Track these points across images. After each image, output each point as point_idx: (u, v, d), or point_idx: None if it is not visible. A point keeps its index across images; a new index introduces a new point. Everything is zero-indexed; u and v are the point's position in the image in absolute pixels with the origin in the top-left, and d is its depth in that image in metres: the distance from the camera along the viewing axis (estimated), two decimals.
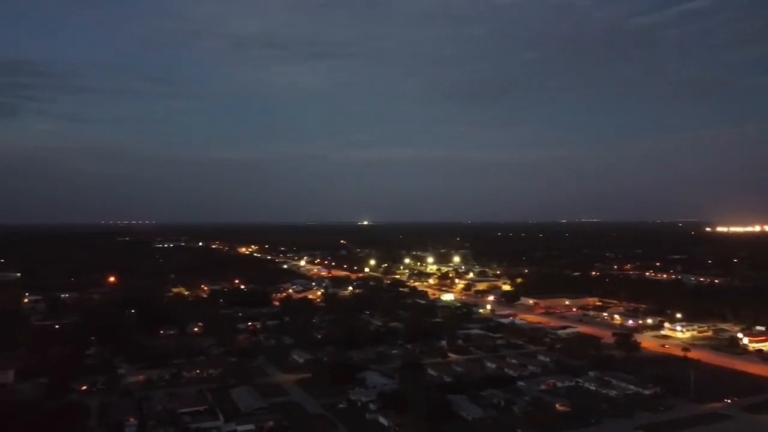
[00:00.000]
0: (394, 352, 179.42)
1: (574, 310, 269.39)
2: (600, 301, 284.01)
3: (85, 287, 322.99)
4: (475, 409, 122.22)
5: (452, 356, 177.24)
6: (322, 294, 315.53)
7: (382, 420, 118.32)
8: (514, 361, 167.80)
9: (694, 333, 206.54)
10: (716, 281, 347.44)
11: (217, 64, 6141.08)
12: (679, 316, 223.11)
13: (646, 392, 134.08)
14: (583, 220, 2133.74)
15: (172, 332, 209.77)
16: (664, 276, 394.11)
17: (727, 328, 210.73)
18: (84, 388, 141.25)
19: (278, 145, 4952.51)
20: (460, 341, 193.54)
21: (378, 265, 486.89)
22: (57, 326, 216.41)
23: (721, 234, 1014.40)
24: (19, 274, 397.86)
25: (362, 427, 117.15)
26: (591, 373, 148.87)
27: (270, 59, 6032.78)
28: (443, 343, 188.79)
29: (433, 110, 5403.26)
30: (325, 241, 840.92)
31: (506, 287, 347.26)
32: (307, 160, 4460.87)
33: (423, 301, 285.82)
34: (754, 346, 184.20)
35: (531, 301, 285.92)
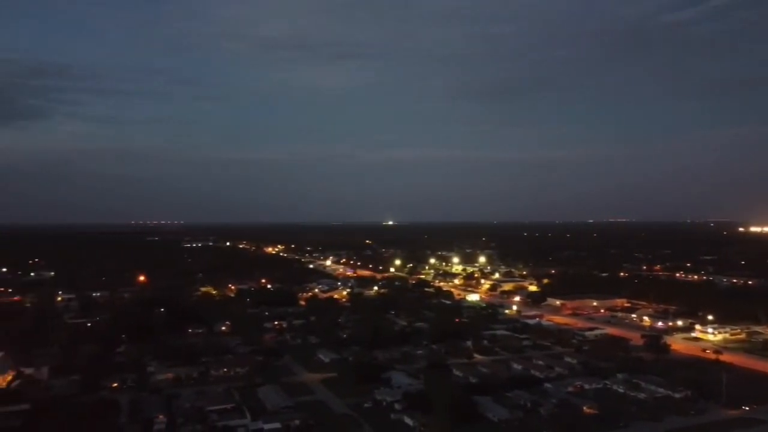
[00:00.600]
0: (419, 352, 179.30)
1: (602, 311, 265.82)
2: (628, 302, 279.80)
3: (115, 286, 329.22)
4: (501, 410, 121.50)
5: (478, 357, 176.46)
6: (347, 294, 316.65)
7: (408, 420, 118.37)
8: (540, 362, 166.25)
9: (727, 335, 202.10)
10: (749, 282, 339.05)
11: (244, 66, 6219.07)
12: (710, 318, 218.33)
13: (677, 395, 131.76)
14: (611, 220, 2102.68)
15: (200, 331, 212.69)
16: (695, 277, 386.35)
17: (760, 330, 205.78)
18: (115, 385, 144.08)
19: (304, 145, 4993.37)
20: (485, 342, 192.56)
21: (403, 265, 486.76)
22: (89, 324, 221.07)
23: (755, 234, 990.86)
24: (53, 274, 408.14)
25: (387, 427, 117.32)
26: (619, 376, 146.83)
27: (296, 60, 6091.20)
28: (469, 343, 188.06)
29: (459, 109, 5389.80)
30: (351, 241, 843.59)
31: (532, 288, 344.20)
32: (332, 161, 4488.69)
33: (448, 302, 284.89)
34: None
35: (558, 302, 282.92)
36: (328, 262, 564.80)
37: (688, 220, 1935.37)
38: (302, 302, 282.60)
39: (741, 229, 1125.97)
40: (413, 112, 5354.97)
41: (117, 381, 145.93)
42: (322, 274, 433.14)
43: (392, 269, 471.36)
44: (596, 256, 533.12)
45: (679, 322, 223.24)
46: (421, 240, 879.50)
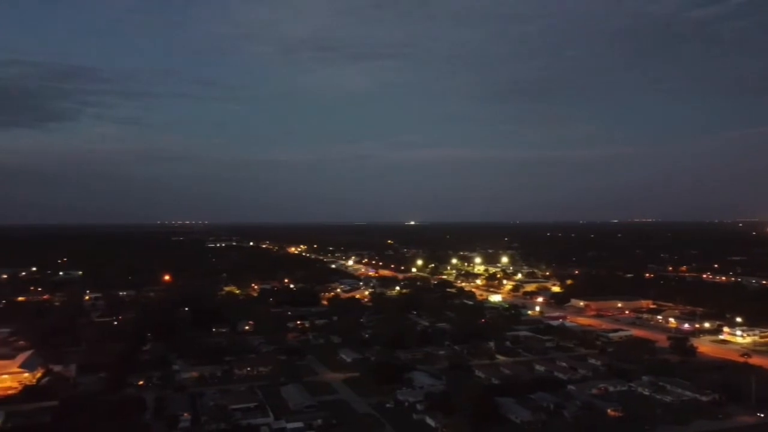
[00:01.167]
0: (441, 352, 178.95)
1: (627, 312, 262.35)
2: (654, 303, 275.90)
3: (141, 286, 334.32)
4: (524, 412, 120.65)
5: (500, 358, 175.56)
6: (369, 294, 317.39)
7: (430, 421, 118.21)
8: (564, 364, 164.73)
9: (756, 338, 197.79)
10: None
11: (268, 68, 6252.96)
12: (739, 320, 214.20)
13: (704, 399, 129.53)
14: (635, 220, 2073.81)
15: (223, 330, 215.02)
16: (723, 278, 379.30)
17: None
18: (141, 382, 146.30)
19: (326, 145, 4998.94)
20: (508, 343, 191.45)
21: (425, 265, 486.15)
22: (115, 323, 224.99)
23: None
24: (80, 273, 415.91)
25: (409, 428, 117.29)
26: (645, 378, 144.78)
27: (318, 61, 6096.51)
28: (491, 344, 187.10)
29: (483, 109, 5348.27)
30: (373, 241, 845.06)
31: (556, 289, 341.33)
32: (354, 161, 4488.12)
33: (470, 302, 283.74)
34: None
35: (581, 303, 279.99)
36: (350, 262, 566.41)
37: (716, 221, 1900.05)
38: (324, 302, 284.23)
39: None
40: (435, 112, 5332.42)
41: (143, 379, 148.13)
42: (344, 274, 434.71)
43: (414, 269, 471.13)
44: (621, 257, 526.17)
45: (707, 324, 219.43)
46: (443, 240, 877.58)
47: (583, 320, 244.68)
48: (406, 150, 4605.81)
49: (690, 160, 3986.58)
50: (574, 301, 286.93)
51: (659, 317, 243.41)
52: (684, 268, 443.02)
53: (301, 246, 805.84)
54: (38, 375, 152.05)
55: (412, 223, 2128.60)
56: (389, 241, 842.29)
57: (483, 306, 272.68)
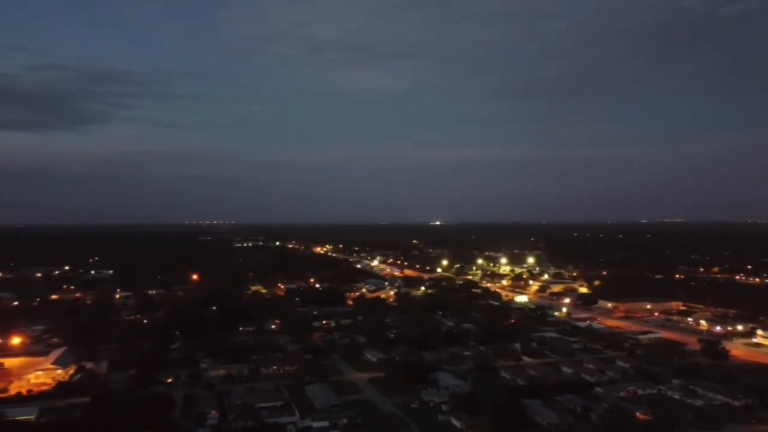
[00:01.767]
0: (467, 353, 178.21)
1: (656, 314, 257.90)
2: (684, 305, 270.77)
3: (170, 285, 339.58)
4: (550, 414, 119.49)
5: (526, 359, 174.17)
6: (394, 294, 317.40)
7: (455, 422, 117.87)
8: (591, 366, 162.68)
9: None
10: None
11: (294, 69, 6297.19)
12: None
13: (737, 403, 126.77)
14: (665, 220, 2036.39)
15: (250, 329, 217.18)
16: (757, 280, 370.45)
17: None
18: (169, 380, 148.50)
19: (353, 146, 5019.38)
20: (534, 344, 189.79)
21: (450, 266, 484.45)
22: (145, 321, 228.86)
23: None
24: (111, 272, 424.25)
25: (435, 428, 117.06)
26: (675, 381, 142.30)
27: (345, 62, 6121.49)
28: (517, 345, 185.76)
29: (510, 109, 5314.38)
30: (398, 241, 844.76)
31: (583, 290, 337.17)
32: (380, 161, 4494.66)
33: (496, 303, 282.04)
34: None
35: (609, 305, 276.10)
36: (376, 262, 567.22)
37: (749, 221, 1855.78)
38: (350, 302, 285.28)
39: None
40: (460, 112, 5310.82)
41: (171, 376, 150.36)
42: (369, 274, 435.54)
43: (439, 269, 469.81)
44: (650, 258, 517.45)
45: (739, 327, 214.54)
46: (468, 240, 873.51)
47: (611, 322, 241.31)
48: (431, 150, 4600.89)
49: (720, 158, 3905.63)
50: (601, 303, 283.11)
51: (690, 319, 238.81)
52: (716, 269, 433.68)
53: (327, 246, 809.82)
54: (71, 371, 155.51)
55: (437, 223, 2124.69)
56: (414, 241, 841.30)
57: (509, 307, 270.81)
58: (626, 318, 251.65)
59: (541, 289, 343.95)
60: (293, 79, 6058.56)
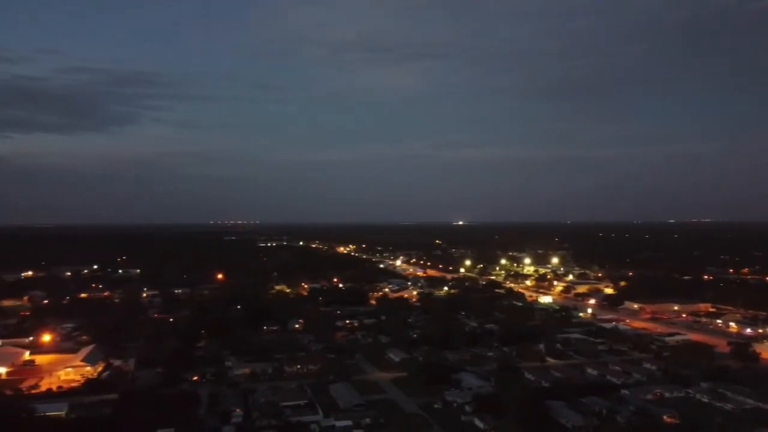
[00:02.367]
0: (490, 354, 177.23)
1: (684, 316, 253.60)
2: (713, 307, 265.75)
3: (196, 284, 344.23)
4: (575, 416, 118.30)
5: (550, 360, 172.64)
6: (417, 294, 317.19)
7: (478, 423, 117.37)
8: (617, 368, 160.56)
9: None
10: None
11: (317, 70, 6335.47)
12: None
13: (767, 407, 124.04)
14: (693, 220, 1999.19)
15: (274, 328, 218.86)
16: None
17: None
18: (195, 378, 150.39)
19: (376, 146, 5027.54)
20: (558, 345, 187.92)
21: (473, 266, 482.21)
22: (171, 320, 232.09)
23: None
24: (138, 271, 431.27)
25: (458, 429, 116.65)
26: (703, 384, 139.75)
27: (368, 62, 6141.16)
28: (541, 346, 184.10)
29: (534, 108, 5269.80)
30: (421, 241, 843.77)
31: (608, 290, 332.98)
32: (403, 161, 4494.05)
33: (520, 303, 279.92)
34: None
35: (636, 306, 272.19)
36: (398, 262, 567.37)
37: None
38: (373, 301, 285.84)
39: None
40: (484, 111, 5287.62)
41: (197, 374, 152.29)
42: (392, 274, 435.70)
43: (462, 270, 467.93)
44: (677, 258, 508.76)
45: None
46: (492, 240, 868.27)
47: (637, 323, 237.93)
48: (456, 150, 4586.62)
49: (750, 157, 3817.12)
50: (627, 304, 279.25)
51: (719, 321, 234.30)
52: (746, 270, 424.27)
53: (350, 246, 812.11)
54: (99, 369, 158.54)
55: (461, 223, 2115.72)
56: (437, 241, 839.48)
57: (533, 307, 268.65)
58: (653, 320, 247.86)
59: (566, 290, 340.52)
60: (316, 81, 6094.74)
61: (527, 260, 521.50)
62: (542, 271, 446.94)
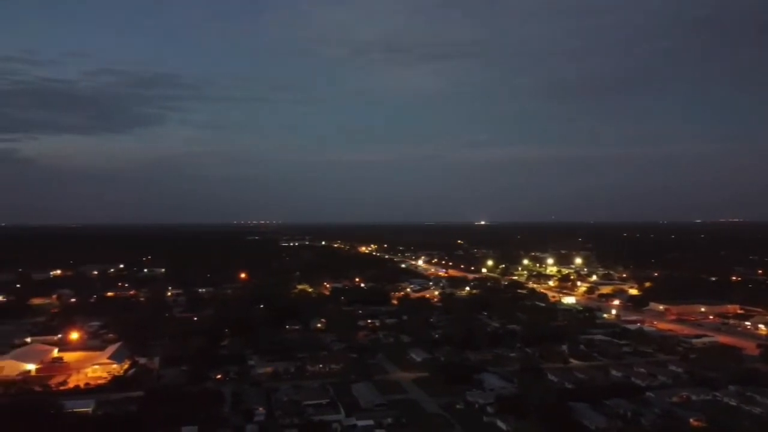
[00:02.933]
0: (513, 354, 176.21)
1: (711, 317, 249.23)
2: (742, 308, 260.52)
3: (219, 283, 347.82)
4: (599, 418, 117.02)
5: (574, 362, 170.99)
6: (439, 293, 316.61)
7: (501, 424, 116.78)
8: (642, 370, 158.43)
9: None
10: None
11: (339, 70, 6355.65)
12: None
13: None
14: (721, 220, 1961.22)
15: (296, 327, 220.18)
16: None
17: None
18: (219, 376, 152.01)
19: (397, 146, 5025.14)
20: (582, 347, 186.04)
21: (495, 266, 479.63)
22: (195, 318, 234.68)
23: None
24: (163, 270, 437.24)
25: (480, 430, 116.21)
26: (731, 387, 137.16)
27: (389, 63, 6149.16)
28: (564, 347, 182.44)
29: (555, 107, 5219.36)
30: (442, 241, 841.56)
31: (633, 291, 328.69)
32: (426, 161, 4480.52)
33: (542, 304, 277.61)
34: None
35: (661, 307, 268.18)
36: (420, 262, 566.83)
37: None
38: (394, 301, 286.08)
39: None
40: (505, 111, 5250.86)
41: (221, 373, 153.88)
42: (413, 274, 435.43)
43: (484, 270, 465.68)
44: (704, 259, 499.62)
45: None
46: (514, 240, 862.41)
47: (662, 325, 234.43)
48: (477, 149, 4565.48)
49: None
50: (653, 305, 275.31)
51: (747, 323, 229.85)
52: None
53: (372, 245, 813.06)
54: (125, 366, 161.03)
55: (482, 223, 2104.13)
56: (459, 241, 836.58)
57: (556, 308, 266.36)
58: (679, 321, 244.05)
59: (589, 291, 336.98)
60: (338, 81, 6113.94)
61: (550, 260, 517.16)
62: (565, 271, 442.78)
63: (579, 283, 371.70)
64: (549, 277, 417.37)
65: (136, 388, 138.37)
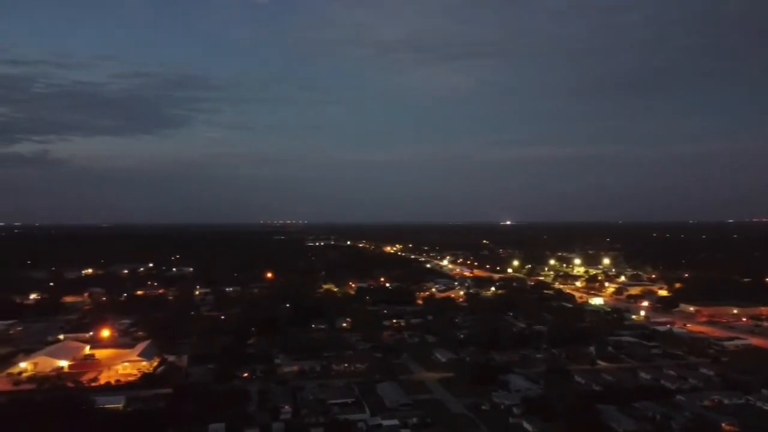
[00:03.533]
0: (539, 356, 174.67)
1: (744, 320, 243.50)
2: None
3: (246, 282, 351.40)
4: (627, 421, 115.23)
5: (601, 363, 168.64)
6: (464, 294, 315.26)
7: (527, 425, 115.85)
8: (671, 372, 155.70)
9: None
10: None
11: (364, 70, 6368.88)
12: None
13: None
14: (755, 219, 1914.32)
15: (322, 326, 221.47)
16: None
17: None
18: (245, 375, 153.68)
19: (422, 146, 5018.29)
20: (610, 348, 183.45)
21: (521, 266, 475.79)
22: (222, 317, 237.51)
23: None
24: (192, 269, 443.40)
25: None
26: (765, 391, 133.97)
27: (415, 62, 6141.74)
28: (591, 349, 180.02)
29: (583, 105, 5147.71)
30: (467, 240, 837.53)
31: (662, 292, 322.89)
32: (451, 161, 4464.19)
33: (569, 305, 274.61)
34: None
35: (692, 308, 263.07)
36: (445, 262, 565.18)
37: None
38: (419, 301, 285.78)
39: None
40: (532, 110, 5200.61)
41: (247, 371, 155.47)
42: (438, 274, 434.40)
43: (510, 270, 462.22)
44: (737, 259, 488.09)
45: None
46: (540, 240, 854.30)
47: (693, 327, 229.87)
48: (503, 149, 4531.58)
49: None
50: (683, 306, 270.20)
51: None
52: None
53: (397, 245, 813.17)
54: (155, 364, 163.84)
55: (508, 222, 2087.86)
56: (484, 241, 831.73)
57: (583, 309, 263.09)
58: (710, 323, 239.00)
59: (618, 292, 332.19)
60: (363, 81, 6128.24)
61: (577, 261, 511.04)
62: (593, 272, 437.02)
63: (607, 284, 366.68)
64: (576, 277, 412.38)
65: (165, 385, 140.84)
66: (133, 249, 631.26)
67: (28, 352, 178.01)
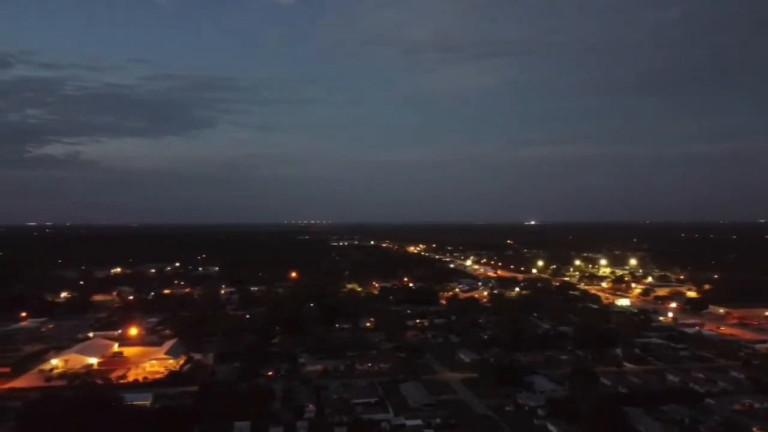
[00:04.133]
0: (564, 357, 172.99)
1: None
2: None
3: (271, 282, 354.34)
4: (654, 424, 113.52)
5: (628, 365, 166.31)
6: (488, 294, 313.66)
7: (551, 427, 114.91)
8: (700, 375, 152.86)
9: None
10: None
11: (391, 71, 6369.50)
12: None
13: None
14: None
15: (346, 326, 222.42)
16: None
17: None
18: (270, 373, 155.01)
19: (448, 145, 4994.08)
20: (636, 350, 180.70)
21: (546, 267, 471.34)
22: (248, 316, 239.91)
23: None
24: (217, 269, 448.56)
25: None
26: None
27: (441, 62, 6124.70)
28: (618, 350, 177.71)
29: (612, 104, 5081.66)
30: (491, 241, 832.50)
31: (691, 294, 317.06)
32: (477, 160, 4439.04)
33: (595, 306, 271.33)
34: None
35: (721, 310, 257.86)
36: (469, 262, 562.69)
37: None
38: (443, 301, 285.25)
39: None
40: (560, 109, 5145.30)
41: (272, 370, 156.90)
42: (462, 274, 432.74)
43: (534, 270, 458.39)
44: None
45: None
46: (565, 240, 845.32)
47: (723, 329, 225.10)
48: (530, 148, 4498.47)
49: None
50: (712, 308, 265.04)
51: None
52: None
53: (420, 245, 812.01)
54: (181, 362, 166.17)
55: (532, 222, 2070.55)
56: (508, 241, 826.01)
57: (609, 310, 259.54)
58: (741, 325, 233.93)
59: (645, 293, 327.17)
60: (390, 81, 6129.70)
61: (603, 261, 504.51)
62: (619, 272, 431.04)
63: (634, 285, 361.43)
64: (602, 278, 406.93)
65: (191, 383, 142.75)
66: (161, 249, 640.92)
67: (59, 350, 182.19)
